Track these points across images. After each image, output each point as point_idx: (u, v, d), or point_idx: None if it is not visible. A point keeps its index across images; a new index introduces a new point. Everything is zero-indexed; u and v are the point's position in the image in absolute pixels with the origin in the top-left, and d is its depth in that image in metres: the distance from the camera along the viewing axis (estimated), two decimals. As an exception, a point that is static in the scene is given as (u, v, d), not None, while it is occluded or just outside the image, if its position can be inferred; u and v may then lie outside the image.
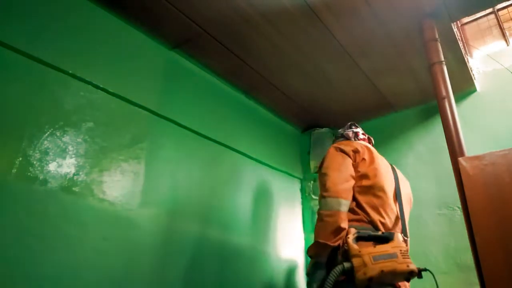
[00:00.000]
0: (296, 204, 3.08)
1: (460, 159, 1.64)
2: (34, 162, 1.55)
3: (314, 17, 2.09)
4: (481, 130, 2.54)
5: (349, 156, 1.67)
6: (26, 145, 1.54)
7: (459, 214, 2.43)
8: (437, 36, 2.07)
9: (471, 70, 2.60)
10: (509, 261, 1.37)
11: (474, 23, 2.96)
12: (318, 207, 1.60)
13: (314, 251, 1.51)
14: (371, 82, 2.68)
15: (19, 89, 1.58)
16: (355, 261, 1.38)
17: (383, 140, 2.94)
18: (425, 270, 1.42)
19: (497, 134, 2.46)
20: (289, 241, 2.83)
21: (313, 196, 3.09)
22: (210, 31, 2.21)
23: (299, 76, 2.62)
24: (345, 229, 1.48)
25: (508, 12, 2.86)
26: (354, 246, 1.42)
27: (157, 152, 2.07)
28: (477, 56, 2.82)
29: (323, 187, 1.59)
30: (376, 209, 1.59)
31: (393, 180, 1.76)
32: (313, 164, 3.10)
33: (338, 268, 1.38)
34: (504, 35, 2.79)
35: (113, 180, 1.82)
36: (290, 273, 2.73)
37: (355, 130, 2.02)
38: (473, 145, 2.25)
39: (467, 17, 2.46)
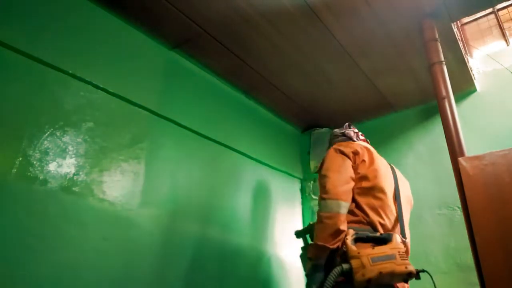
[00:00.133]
0: (296, 204, 3.08)
1: (460, 159, 1.64)
2: (34, 162, 1.55)
3: (314, 17, 2.09)
4: (481, 130, 2.54)
5: (349, 158, 1.67)
6: (26, 145, 1.54)
7: (459, 214, 2.43)
8: (437, 36, 2.07)
9: (471, 70, 2.60)
10: (509, 261, 1.37)
11: (474, 23, 2.96)
12: (318, 208, 1.60)
13: (313, 253, 1.51)
14: (371, 82, 2.68)
15: (19, 89, 1.58)
16: (354, 263, 1.38)
17: (383, 140, 2.94)
18: (423, 271, 1.41)
19: (497, 134, 2.46)
20: (288, 241, 2.82)
21: (313, 196, 3.09)
22: (210, 31, 2.21)
23: (299, 76, 2.63)
24: (344, 231, 1.48)
25: (508, 12, 2.86)
26: (352, 247, 1.42)
27: (157, 152, 2.07)
28: (477, 56, 2.83)
29: (323, 189, 1.59)
30: (375, 211, 1.59)
31: (393, 181, 1.76)
32: (313, 164, 3.09)
33: (337, 269, 1.38)
34: (504, 35, 2.79)
35: (113, 180, 1.82)
36: (290, 273, 2.73)
37: (354, 130, 2.02)
38: (473, 145, 2.25)
39: (467, 17, 2.46)
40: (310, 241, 2.05)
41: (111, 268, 1.69)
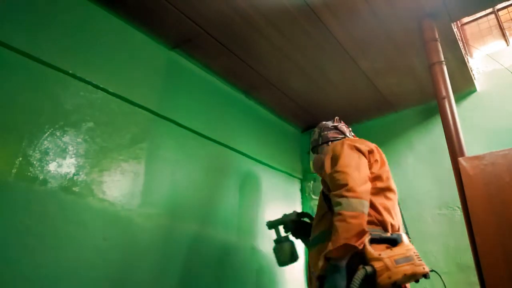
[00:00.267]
0: (296, 204, 3.08)
1: (460, 159, 1.64)
2: (34, 162, 1.55)
3: (314, 17, 2.09)
4: (481, 130, 2.54)
5: (365, 156, 1.62)
6: (26, 145, 1.54)
7: (459, 214, 2.43)
8: (437, 36, 2.07)
9: (471, 70, 2.60)
10: (509, 261, 1.37)
11: (474, 23, 2.97)
12: (337, 205, 1.48)
13: (338, 253, 1.41)
14: (371, 82, 2.68)
15: (19, 89, 1.58)
16: (377, 265, 1.34)
17: (383, 140, 2.94)
18: (432, 271, 1.41)
19: (497, 134, 2.46)
20: (289, 241, 2.82)
21: (313, 196, 3.09)
22: (210, 31, 2.21)
23: (299, 76, 2.63)
24: (368, 232, 1.41)
25: (508, 12, 2.86)
26: (371, 249, 1.37)
27: (157, 152, 2.07)
28: (477, 56, 2.83)
29: (342, 186, 1.49)
30: (388, 211, 1.56)
31: None
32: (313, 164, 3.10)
33: (361, 272, 1.33)
34: (504, 35, 2.79)
35: (113, 180, 1.82)
36: (290, 273, 2.73)
37: (345, 125, 1.98)
38: (473, 145, 2.25)
39: (467, 17, 2.46)
40: (282, 234, 2.01)
41: (111, 268, 1.69)
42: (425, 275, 1.36)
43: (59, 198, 1.59)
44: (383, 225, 1.53)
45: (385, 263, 1.33)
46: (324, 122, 2.01)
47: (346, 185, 1.48)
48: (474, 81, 2.64)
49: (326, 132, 1.93)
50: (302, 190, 3.18)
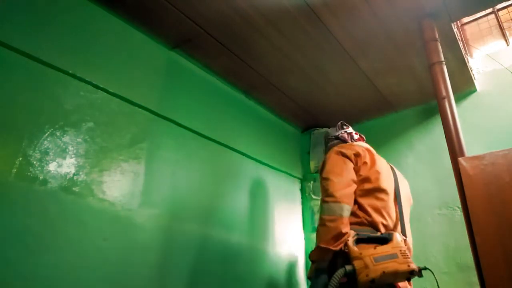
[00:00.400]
0: (296, 204, 3.08)
1: (460, 159, 1.64)
2: (34, 162, 1.55)
3: (314, 17, 2.09)
4: (481, 130, 2.54)
5: (351, 160, 1.67)
6: (26, 145, 1.54)
7: (459, 214, 2.43)
8: (437, 36, 2.07)
9: (471, 70, 2.60)
10: (509, 261, 1.37)
11: (474, 23, 2.97)
12: (319, 210, 1.60)
13: (316, 256, 1.51)
14: (371, 82, 2.68)
15: (19, 89, 1.58)
16: (357, 264, 1.39)
17: (383, 140, 2.94)
18: (425, 269, 1.42)
19: (497, 134, 2.46)
20: (289, 240, 2.83)
21: (313, 196, 3.09)
22: (210, 31, 2.21)
23: (299, 76, 2.62)
24: (346, 233, 1.49)
25: (508, 12, 2.86)
26: (354, 248, 1.43)
27: (157, 152, 2.07)
28: (477, 56, 2.83)
29: (325, 192, 1.59)
30: (378, 211, 1.60)
31: (393, 181, 1.77)
32: (313, 164, 3.09)
33: (340, 271, 1.39)
34: (504, 35, 2.79)
35: (113, 180, 1.82)
36: (291, 272, 2.73)
37: (348, 130, 2.02)
38: (473, 145, 2.25)
39: (467, 17, 2.46)
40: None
41: (111, 268, 1.69)
42: (413, 273, 1.37)
43: (59, 198, 1.59)
44: (373, 225, 1.57)
45: (365, 261, 1.38)
46: (328, 131, 2.10)
47: (327, 190, 1.57)
48: (474, 81, 2.64)
49: (330, 144, 2.03)
50: (302, 190, 3.18)
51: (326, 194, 1.57)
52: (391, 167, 1.86)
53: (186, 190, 2.16)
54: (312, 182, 3.16)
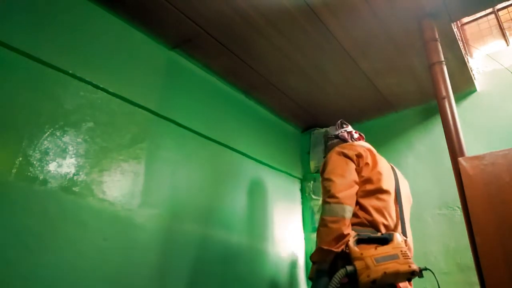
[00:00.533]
0: (296, 204, 3.08)
1: (460, 159, 1.64)
2: (34, 162, 1.55)
3: (314, 17, 2.09)
4: (481, 130, 2.53)
5: (353, 161, 1.66)
6: (26, 145, 1.54)
7: (459, 214, 2.43)
8: (437, 36, 2.07)
9: (471, 70, 2.60)
10: (509, 261, 1.37)
11: (474, 23, 2.97)
12: (320, 211, 1.59)
13: (317, 257, 1.51)
14: (371, 82, 2.68)
15: (19, 89, 1.58)
16: (358, 264, 1.39)
17: (383, 140, 2.94)
18: (426, 269, 1.42)
19: (497, 134, 2.46)
20: (289, 240, 2.82)
21: (313, 196, 3.09)
22: (210, 31, 2.21)
23: (299, 76, 2.62)
24: (348, 235, 1.48)
25: (508, 12, 2.86)
26: (355, 249, 1.42)
27: (157, 152, 2.07)
28: (477, 56, 2.83)
29: (327, 193, 1.58)
30: (380, 212, 1.59)
31: (394, 181, 1.77)
32: (313, 164, 3.10)
33: (341, 271, 1.39)
34: (504, 35, 2.79)
35: (113, 180, 1.82)
36: (291, 272, 2.73)
37: (347, 129, 2.02)
38: (473, 145, 2.25)
39: (467, 17, 2.46)
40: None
41: (111, 268, 1.69)
42: (414, 273, 1.37)
43: (59, 198, 1.59)
44: (373, 226, 1.56)
45: (366, 262, 1.38)
46: (328, 130, 2.09)
47: (329, 191, 1.56)
48: (474, 81, 2.64)
49: (330, 143, 2.01)
50: (302, 190, 3.18)
51: (328, 195, 1.57)
52: (392, 166, 1.86)
53: (186, 190, 2.16)
54: (312, 182, 3.16)
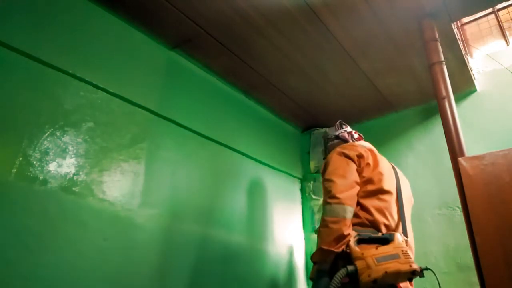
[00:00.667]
0: (296, 204, 3.08)
1: (460, 159, 1.64)
2: (34, 162, 1.55)
3: (314, 17, 2.09)
4: (481, 130, 2.53)
5: (354, 162, 1.66)
6: (26, 145, 1.54)
7: (459, 214, 2.43)
8: (437, 36, 2.07)
9: (471, 70, 2.59)
10: (509, 261, 1.37)
11: (474, 23, 2.97)
12: (321, 211, 1.59)
13: (318, 258, 1.51)
14: (371, 82, 2.68)
15: (19, 89, 1.58)
16: (359, 264, 1.39)
17: (383, 140, 2.94)
18: (427, 269, 1.42)
19: (497, 134, 2.46)
20: (289, 241, 2.82)
21: (313, 196, 3.09)
22: (210, 31, 2.21)
23: (299, 76, 2.62)
24: (348, 235, 1.49)
25: (508, 12, 2.86)
26: (356, 249, 1.43)
27: (157, 152, 2.07)
28: (477, 56, 2.82)
29: (328, 193, 1.58)
30: (381, 212, 1.60)
31: (395, 181, 1.76)
32: (313, 164, 3.10)
33: (342, 271, 1.39)
34: (504, 35, 2.79)
35: (113, 180, 1.82)
36: (290, 272, 2.73)
37: (347, 130, 2.02)
38: (473, 145, 2.25)
39: (467, 17, 2.46)
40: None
41: (111, 268, 1.69)
42: (415, 273, 1.37)
43: (59, 198, 1.59)
44: (374, 226, 1.57)
45: (367, 261, 1.38)
46: (327, 131, 2.09)
47: (330, 192, 1.57)
48: (474, 81, 2.63)
49: (330, 143, 2.02)
50: (302, 190, 3.18)
51: (329, 196, 1.57)
52: (393, 166, 1.86)
53: (186, 190, 2.16)
54: (312, 182, 3.16)
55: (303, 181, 3.21)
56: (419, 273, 1.40)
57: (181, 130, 2.25)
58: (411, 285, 1.59)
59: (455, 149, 1.75)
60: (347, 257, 1.46)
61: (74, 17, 1.86)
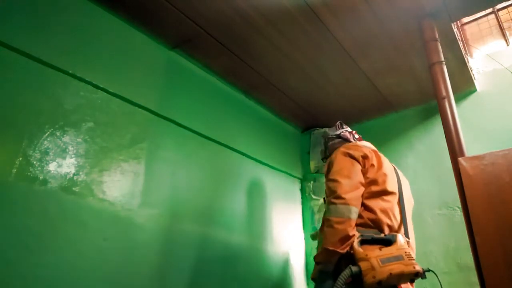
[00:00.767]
0: (296, 204, 3.08)
1: (460, 159, 1.64)
2: (34, 162, 1.55)
3: (314, 17, 2.09)
4: (481, 130, 2.53)
5: (359, 162, 1.66)
6: (26, 145, 1.54)
7: (459, 214, 2.43)
8: (437, 36, 2.07)
9: (471, 70, 2.59)
10: (509, 261, 1.37)
11: (474, 23, 2.97)
12: (325, 211, 1.59)
13: (322, 258, 1.50)
14: (371, 82, 2.68)
15: (19, 89, 1.58)
16: (363, 265, 1.38)
17: (383, 140, 2.94)
18: (429, 270, 1.42)
19: (497, 134, 2.46)
20: (289, 241, 2.82)
21: (313, 196, 3.09)
22: (210, 31, 2.21)
23: (299, 76, 2.62)
24: (353, 236, 1.48)
25: (508, 12, 2.86)
26: (359, 250, 1.42)
27: (157, 152, 2.07)
28: (477, 56, 2.82)
29: (333, 193, 1.57)
30: (385, 213, 1.59)
31: (397, 182, 1.76)
32: (313, 164, 3.10)
33: (346, 271, 1.38)
34: (504, 35, 2.79)
35: (113, 180, 1.82)
36: (291, 272, 2.73)
37: (348, 129, 2.02)
38: (473, 145, 2.25)
39: (467, 17, 2.46)
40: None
41: (111, 268, 1.69)
42: (418, 274, 1.37)
43: (59, 198, 1.59)
44: (378, 226, 1.56)
45: (371, 263, 1.37)
46: (327, 131, 2.08)
47: (335, 192, 1.55)
48: (474, 81, 2.63)
49: (331, 143, 2.00)
50: (302, 190, 3.18)
51: (334, 196, 1.55)
52: (394, 167, 1.86)
53: (186, 190, 2.16)
54: (312, 182, 3.16)
55: (303, 181, 3.21)
56: (422, 274, 1.40)
57: (181, 130, 2.25)
58: (412, 286, 1.59)
59: (455, 149, 1.75)
60: (350, 257, 1.45)
61: (74, 17, 1.86)
